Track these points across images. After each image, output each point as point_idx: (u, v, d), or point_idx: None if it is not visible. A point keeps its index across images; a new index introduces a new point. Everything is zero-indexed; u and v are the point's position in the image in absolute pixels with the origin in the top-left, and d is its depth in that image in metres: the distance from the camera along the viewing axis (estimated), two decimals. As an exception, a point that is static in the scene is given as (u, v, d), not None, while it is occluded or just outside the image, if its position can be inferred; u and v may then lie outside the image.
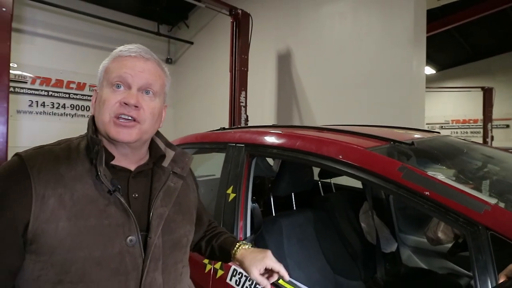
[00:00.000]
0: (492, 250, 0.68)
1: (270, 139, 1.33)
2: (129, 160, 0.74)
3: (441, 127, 9.61)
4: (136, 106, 0.68)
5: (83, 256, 0.62)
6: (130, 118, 0.68)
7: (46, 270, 0.61)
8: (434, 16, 5.64)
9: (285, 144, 1.24)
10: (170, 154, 0.81)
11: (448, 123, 9.61)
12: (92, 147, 0.68)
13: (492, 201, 0.75)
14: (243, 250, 0.87)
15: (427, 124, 9.60)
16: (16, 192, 0.61)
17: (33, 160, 0.65)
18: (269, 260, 0.81)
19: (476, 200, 0.75)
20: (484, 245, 0.68)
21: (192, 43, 6.76)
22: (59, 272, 0.61)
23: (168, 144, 0.84)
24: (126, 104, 0.68)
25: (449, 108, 9.61)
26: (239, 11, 4.26)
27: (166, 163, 0.79)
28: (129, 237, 0.66)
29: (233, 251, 0.88)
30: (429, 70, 9.28)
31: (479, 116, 9.03)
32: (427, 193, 0.79)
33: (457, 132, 9.36)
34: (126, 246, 0.66)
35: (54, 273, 0.61)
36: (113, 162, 0.71)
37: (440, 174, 0.84)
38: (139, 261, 0.67)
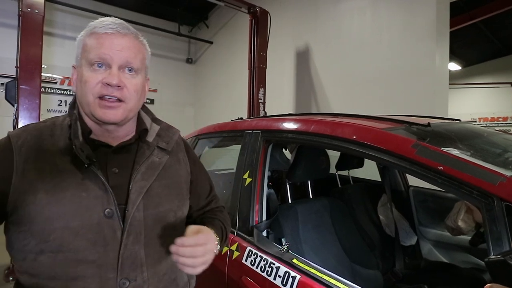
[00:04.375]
0: (507, 221, 0.67)
1: (286, 125, 1.36)
2: (113, 136, 0.75)
3: (470, 123, 9.24)
4: (119, 86, 0.69)
5: (61, 226, 0.64)
6: (113, 98, 0.69)
7: (28, 240, 0.65)
8: (459, 10, 5.44)
9: (300, 128, 1.27)
10: (155, 128, 0.82)
11: (475, 121, 9.22)
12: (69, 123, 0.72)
13: (508, 173, 0.74)
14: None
15: (452, 122, 9.24)
16: (0, 166, 0.66)
17: (17, 137, 0.70)
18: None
19: (491, 173, 0.74)
20: (498, 216, 0.68)
21: (211, 42, 6.88)
22: (39, 242, 0.64)
23: (155, 119, 0.85)
24: (108, 84, 0.68)
25: (476, 106, 9.22)
26: (258, 9, 4.30)
27: (150, 138, 0.79)
28: (107, 210, 0.68)
29: None
30: (454, 66, 8.94)
31: (509, 113, 8.63)
32: (440, 167, 0.79)
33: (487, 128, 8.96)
34: (105, 217, 0.68)
35: (35, 243, 0.65)
36: (95, 138, 0.73)
37: (455, 150, 0.83)
38: (118, 233, 0.68)
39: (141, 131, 0.79)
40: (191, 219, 0.90)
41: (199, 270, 0.71)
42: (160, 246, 0.75)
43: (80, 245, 0.65)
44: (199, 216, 0.92)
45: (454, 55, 8.30)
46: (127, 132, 0.78)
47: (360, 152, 1.01)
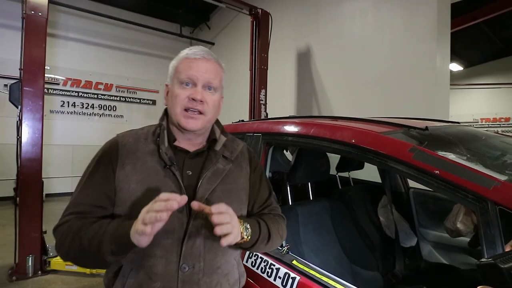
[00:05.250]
0: (501, 225, 0.69)
1: (286, 128, 1.37)
2: (192, 143, 0.91)
3: (470, 126, 9.22)
4: (201, 101, 0.85)
5: None
6: (196, 110, 0.85)
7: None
8: (461, 10, 5.44)
9: (301, 132, 1.28)
10: (222, 140, 0.95)
11: (477, 122, 9.21)
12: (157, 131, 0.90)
13: (503, 178, 0.75)
14: None
15: (454, 123, 9.23)
16: (109, 158, 0.86)
17: (122, 138, 0.90)
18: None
19: (486, 177, 0.75)
20: (492, 220, 0.69)
21: (213, 43, 6.91)
22: None
23: (223, 132, 0.99)
24: (193, 99, 0.84)
25: (478, 106, 9.21)
26: (259, 10, 4.32)
27: (218, 147, 0.93)
28: None
29: None
30: (456, 67, 8.94)
31: (511, 114, 8.61)
32: (437, 171, 0.81)
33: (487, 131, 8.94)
34: (176, 211, 0.77)
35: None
36: (177, 144, 0.89)
37: (451, 154, 0.85)
38: (185, 225, 0.82)
39: (211, 140, 0.93)
40: None
41: (231, 237, 0.75)
42: (217, 242, 0.83)
43: None
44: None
45: (456, 55, 8.29)
46: (202, 141, 0.93)
47: (359, 155, 1.03)
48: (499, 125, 8.87)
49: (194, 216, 0.82)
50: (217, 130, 0.97)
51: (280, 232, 0.97)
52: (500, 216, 0.69)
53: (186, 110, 0.85)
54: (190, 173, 0.87)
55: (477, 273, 1.58)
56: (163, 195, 0.70)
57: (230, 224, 0.75)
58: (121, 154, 0.86)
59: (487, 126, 9.07)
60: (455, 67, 8.94)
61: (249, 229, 0.85)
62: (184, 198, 0.70)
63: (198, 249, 0.83)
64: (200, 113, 0.86)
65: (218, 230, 0.73)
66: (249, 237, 0.84)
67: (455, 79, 9.13)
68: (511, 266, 0.50)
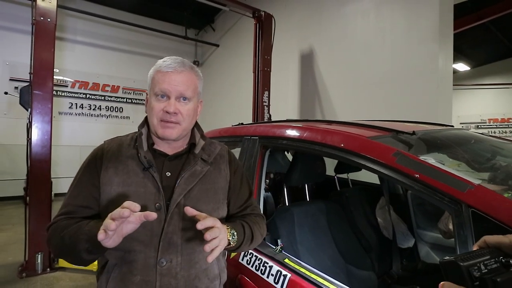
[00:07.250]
0: (473, 226, 0.73)
1: (281, 131, 1.42)
2: (171, 147, 0.97)
3: (477, 127, 9.13)
4: (175, 113, 0.91)
5: None
6: (171, 121, 0.91)
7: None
8: (467, 10, 5.40)
9: (294, 135, 1.33)
10: (201, 143, 1.01)
11: (485, 122, 9.10)
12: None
13: (478, 181, 0.79)
14: None
15: (461, 123, 9.15)
16: (95, 162, 0.94)
17: (108, 144, 0.98)
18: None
19: (461, 181, 0.79)
20: (465, 221, 0.73)
21: (218, 45, 6.98)
22: None
23: (202, 135, 1.05)
24: (167, 112, 0.90)
25: (486, 107, 9.10)
26: (262, 13, 4.37)
27: (197, 150, 0.99)
28: (157, 203, 0.88)
29: None
30: (463, 67, 8.85)
31: (520, 114, 8.49)
32: (417, 175, 0.85)
33: (495, 132, 8.85)
34: (155, 209, 0.87)
35: None
36: (157, 148, 0.96)
37: (431, 159, 0.89)
38: (162, 222, 0.88)
39: (191, 144, 1.00)
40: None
41: (217, 251, 0.79)
42: (195, 239, 0.91)
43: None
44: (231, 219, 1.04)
45: (463, 55, 8.21)
46: (182, 144, 0.99)
47: (348, 159, 1.07)
48: (507, 126, 8.75)
49: (171, 213, 0.88)
50: (197, 134, 1.03)
51: (261, 232, 1.03)
52: (473, 218, 0.73)
53: (162, 120, 0.91)
54: (170, 174, 0.93)
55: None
56: (125, 203, 0.73)
57: (218, 238, 0.79)
58: (105, 158, 0.93)
59: (495, 126, 8.96)
60: (462, 67, 8.86)
61: (236, 236, 0.90)
62: (151, 215, 0.74)
63: (175, 244, 0.89)
64: (176, 122, 0.92)
65: (207, 248, 0.77)
66: (235, 243, 0.90)
67: (462, 79, 9.06)
68: (470, 264, 0.54)
